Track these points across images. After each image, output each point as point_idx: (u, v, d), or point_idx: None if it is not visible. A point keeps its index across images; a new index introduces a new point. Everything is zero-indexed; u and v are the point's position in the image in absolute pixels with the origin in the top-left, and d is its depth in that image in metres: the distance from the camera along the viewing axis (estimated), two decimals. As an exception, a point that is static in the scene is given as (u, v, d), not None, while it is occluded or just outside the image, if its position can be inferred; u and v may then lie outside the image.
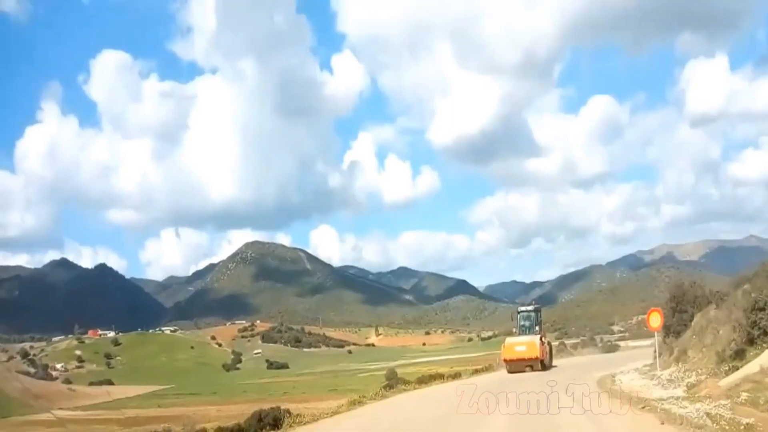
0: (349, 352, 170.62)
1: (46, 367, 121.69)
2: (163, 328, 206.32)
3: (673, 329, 21.72)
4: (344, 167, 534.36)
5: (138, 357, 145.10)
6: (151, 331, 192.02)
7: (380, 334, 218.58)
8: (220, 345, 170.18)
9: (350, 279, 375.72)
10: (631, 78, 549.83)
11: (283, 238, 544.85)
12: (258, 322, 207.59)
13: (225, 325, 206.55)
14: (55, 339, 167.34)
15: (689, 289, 22.67)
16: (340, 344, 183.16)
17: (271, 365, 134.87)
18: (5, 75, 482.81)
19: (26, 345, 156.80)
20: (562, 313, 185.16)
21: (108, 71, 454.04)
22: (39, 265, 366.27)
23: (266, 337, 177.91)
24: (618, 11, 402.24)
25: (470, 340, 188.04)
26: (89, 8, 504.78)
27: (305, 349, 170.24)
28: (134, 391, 70.52)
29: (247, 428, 13.63)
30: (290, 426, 14.29)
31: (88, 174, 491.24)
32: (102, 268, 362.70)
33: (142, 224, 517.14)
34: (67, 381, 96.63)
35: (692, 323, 20.12)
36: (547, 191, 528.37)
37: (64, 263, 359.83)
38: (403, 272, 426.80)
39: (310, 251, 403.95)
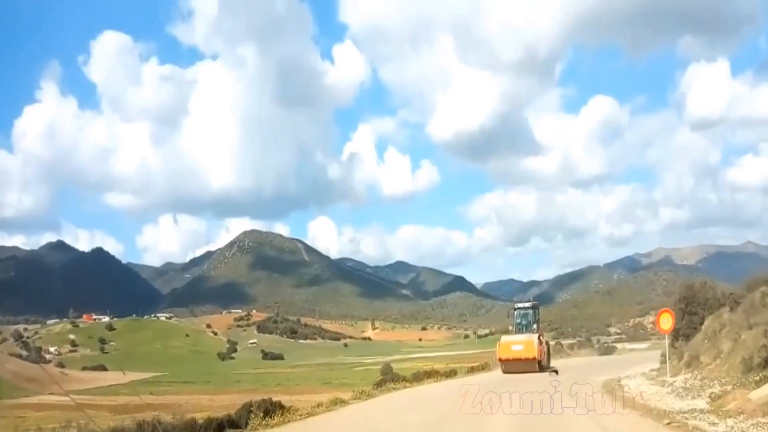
0: (345, 345, 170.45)
1: (39, 350, 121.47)
2: (158, 315, 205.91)
3: (682, 332, 20.82)
4: (344, 158, 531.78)
5: (132, 343, 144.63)
6: (146, 317, 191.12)
7: (376, 328, 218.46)
8: (215, 333, 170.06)
9: (348, 271, 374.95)
10: (632, 79, 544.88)
11: (281, 228, 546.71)
12: (254, 311, 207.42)
13: (221, 313, 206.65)
14: (50, 322, 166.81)
15: (700, 290, 21.77)
16: (336, 337, 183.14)
17: (266, 356, 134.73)
18: (5, 53, 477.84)
19: (20, 327, 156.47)
20: (559, 312, 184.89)
21: (108, 53, 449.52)
22: (35, 247, 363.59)
23: (262, 327, 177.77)
24: (620, 12, 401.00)
25: (467, 337, 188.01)
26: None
27: (301, 341, 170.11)
28: (127, 378, 69.97)
29: (237, 419, 12.88)
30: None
31: (86, 156, 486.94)
32: (99, 252, 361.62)
33: (139, 209, 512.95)
34: (60, 365, 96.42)
35: (703, 326, 19.35)
36: (545, 190, 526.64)
37: (60, 246, 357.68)
38: (401, 266, 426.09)
39: (308, 242, 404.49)
